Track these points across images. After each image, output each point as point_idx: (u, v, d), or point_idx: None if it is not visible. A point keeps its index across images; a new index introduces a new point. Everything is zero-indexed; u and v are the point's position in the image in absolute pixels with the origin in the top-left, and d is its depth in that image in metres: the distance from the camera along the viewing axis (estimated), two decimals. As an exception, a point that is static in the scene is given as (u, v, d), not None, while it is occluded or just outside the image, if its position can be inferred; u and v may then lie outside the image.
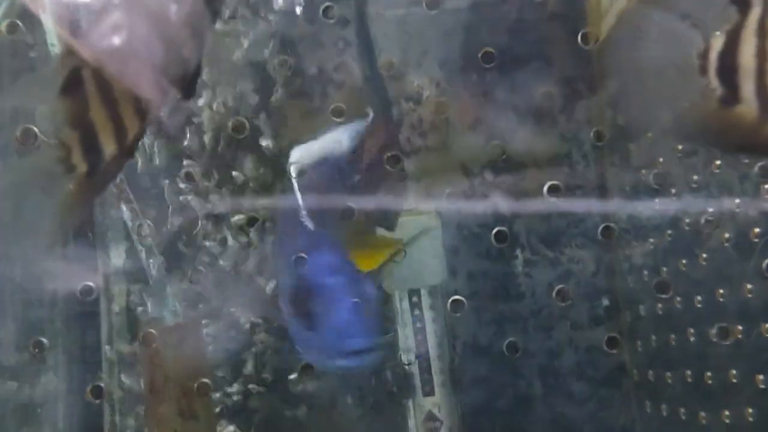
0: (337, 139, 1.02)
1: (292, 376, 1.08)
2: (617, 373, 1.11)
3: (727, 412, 0.98)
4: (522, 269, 1.13)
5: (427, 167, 1.11)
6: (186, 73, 0.78)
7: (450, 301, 0.97)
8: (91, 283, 0.96)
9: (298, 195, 0.97)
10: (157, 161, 1.08)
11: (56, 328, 1.05)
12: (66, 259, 1.02)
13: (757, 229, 0.97)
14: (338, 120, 1.04)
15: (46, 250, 0.93)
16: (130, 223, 1.04)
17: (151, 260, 1.05)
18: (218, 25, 1.08)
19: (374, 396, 1.09)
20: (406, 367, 1.06)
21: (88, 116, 0.70)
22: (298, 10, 1.09)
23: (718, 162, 1.01)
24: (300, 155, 1.01)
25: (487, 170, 1.12)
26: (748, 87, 0.66)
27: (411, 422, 1.08)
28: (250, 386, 1.09)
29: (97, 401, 1.01)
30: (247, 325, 1.06)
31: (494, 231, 1.00)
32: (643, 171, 1.07)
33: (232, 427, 1.08)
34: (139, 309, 1.07)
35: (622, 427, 1.11)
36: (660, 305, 1.06)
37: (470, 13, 1.10)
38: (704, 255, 1.01)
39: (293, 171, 0.99)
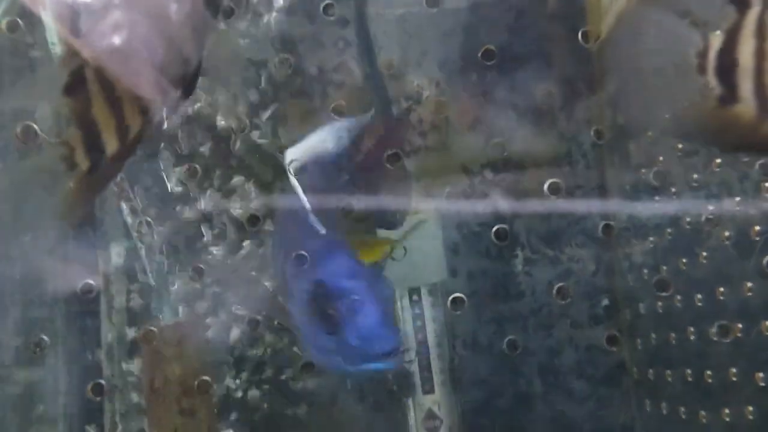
0: (325, 138, 1.02)
1: (293, 374, 1.08)
2: (617, 371, 1.11)
3: (727, 411, 0.98)
4: (522, 268, 1.13)
5: (427, 167, 1.11)
6: (186, 72, 0.78)
7: (450, 298, 0.96)
8: (91, 281, 0.96)
9: (303, 196, 0.97)
10: (156, 159, 1.08)
11: (56, 327, 1.05)
12: (66, 257, 1.02)
13: (757, 228, 0.97)
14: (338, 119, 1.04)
15: (48, 247, 0.94)
16: (130, 222, 1.05)
17: (152, 258, 1.05)
18: (218, 24, 1.08)
19: (374, 394, 1.09)
20: (406, 365, 1.06)
21: (90, 115, 0.71)
22: (299, 8, 1.10)
23: (718, 161, 1.01)
24: (295, 153, 1.00)
25: (487, 169, 1.12)
26: (746, 86, 0.66)
27: (411, 420, 1.08)
28: (250, 384, 1.09)
29: (98, 398, 1.01)
30: (248, 323, 1.06)
31: (494, 228, 1.00)
32: (643, 170, 1.07)
33: (232, 426, 1.08)
34: (140, 307, 1.07)
35: (621, 426, 1.11)
36: (660, 304, 1.06)
37: (470, 13, 1.10)
38: (704, 254, 1.01)
39: (292, 169, 0.99)
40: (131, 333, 1.07)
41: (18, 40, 0.99)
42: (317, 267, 0.91)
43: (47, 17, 0.92)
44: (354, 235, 0.98)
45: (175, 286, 1.05)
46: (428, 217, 1.07)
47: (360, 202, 0.97)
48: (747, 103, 0.66)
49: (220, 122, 1.10)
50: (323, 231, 0.94)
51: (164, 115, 0.96)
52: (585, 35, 1.01)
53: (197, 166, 1.08)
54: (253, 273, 1.09)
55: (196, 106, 1.09)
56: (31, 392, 1.05)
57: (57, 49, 0.89)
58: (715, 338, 0.99)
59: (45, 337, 0.99)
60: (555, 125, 1.12)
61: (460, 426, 1.09)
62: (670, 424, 1.05)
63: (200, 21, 0.81)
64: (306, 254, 0.94)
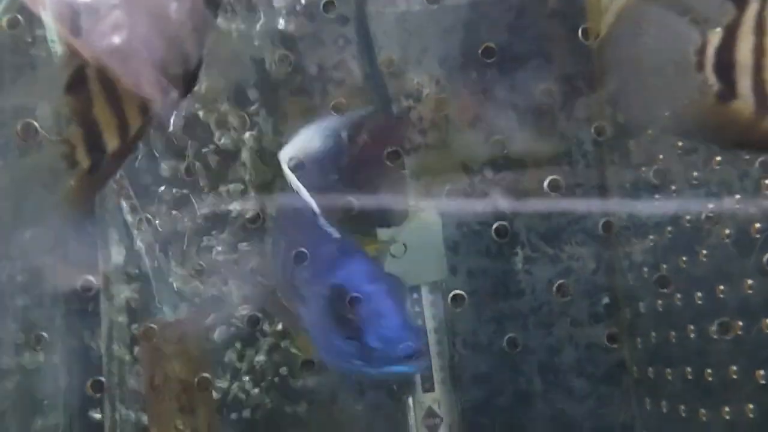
0: (312, 136, 1.01)
1: (292, 372, 1.08)
2: (617, 370, 1.11)
3: (727, 409, 0.98)
4: (522, 266, 1.13)
5: (427, 165, 1.11)
6: (186, 70, 0.78)
7: (451, 295, 0.96)
8: (91, 278, 0.96)
9: (310, 198, 0.96)
10: (156, 157, 1.09)
11: (56, 324, 1.05)
12: (66, 254, 1.02)
13: (757, 225, 0.97)
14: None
15: (48, 245, 0.94)
16: (130, 219, 1.05)
17: (151, 256, 1.06)
18: (218, 22, 1.08)
19: (374, 392, 1.09)
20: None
21: (92, 113, 0.71)
22: (298, 7, 1.10)
23: (718, 158, 1.01)
24: (288, 153, 1.00)
25: (487, 168, 1.12)
26: (744, 83, 0.66)
27: (411, 419, 1.08)
28: (250, 382, 1.09)
29: (97, 395, 1.01)
30: (248, 321, 1.06)
31: (494, 225, 1.00)
32: (643, 168, 1.07)
33: (231, 424, 1.08)
34: (139, 305, 1.08)
35: (621, 424, 1.11)
36: (660, 302, 1.06)
37: (470, 10, 1.10)
38: (704, 252, 1.01)
39: (290, 166, 0.98)
40: (131, 330, 1.07)
41: (18, 38, 0.99)
42: (333, 271, 0.90)
43: (47, 17, 0.92)
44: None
45: (175, 284, 1.06)
46: (422, 215, 1.07)
47: (353, 201, 0.96)
48: (745, 100, 0.66)
49: (220, 120, 1.10)
50: (337, 235, 0.93)
51: (171, 120, 0.97)
52: (585, 32, 1.01)
53: (197, 163, 1.08)
54: (253, 271, 1.09)
55: (195, 105, 1.09)
56: (31, 389, 1.06)
57: (57, 47, 0.89)
58: (715, 336, 0.99)
59: (44, 334, 0.99)
60: (555, 123, 1.12)
61: (460, 424, 1.09)
62: (671, 423, 1.05)
63: (200, 20, 0.81)
64: (305, 251, 0.93)
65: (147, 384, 0.97)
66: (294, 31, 1.10)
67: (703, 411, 1.00)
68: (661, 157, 1.05)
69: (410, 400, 1.08)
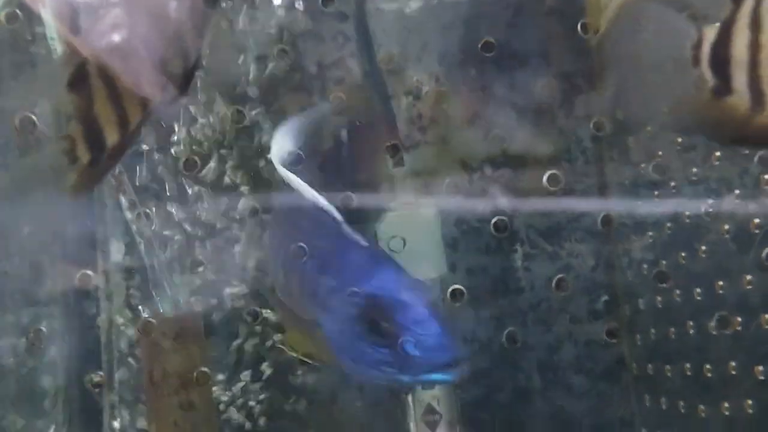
0: (285, 134, 1.01)
1: (292, 370, 1.08)
2: (616, 366, 1.11)
3: (726, 405, 0.98)
4: (521, 263, 1.13)
5: (426, 162, 1.11)
6: (185, 68, 0.79)
7: (450, 290, 0.96)
8: (89, 272, 0.96)
9: (328, 205, 0.93)
10: (155, 153, 1.09)
11: (56, 320, 1.05)
12: (66, 250, 1.02)
13: (756, 221, 0.97)
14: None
15: (47, 240, 0.95)
16: (128, 215, 1.05)
17: (150, 251, 1.06)
18: (217, 20, 1.08)
19: (374, 389, 1.09)
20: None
21: (93, 110, 0.72)
22: (298, 4, 1.10)
23: (717, 154, 1.01)
24: (282, 149, 0.99)
25: (487, 165, 1.12)
26: (740, 78, 0.66)
27: (410, 416, 1.08)
28: (250, 379, 1.09)
29: (97, 390, 1.01)
30: (247, 317, 1.06)
31: (493, 220, 1.00)
32: (642, 165, 1.07)
33: (231, 421, 1.09)
34: (138, 300, 1.08)
35: (621, 421, 1.11)
36: (659, 298, 1.06)
37: (469, 7, 1.10)
38: (703, 248, 1.01)
39: (288, 163, 0.98)
40: (130, 326, 1.08)
41: (18, 35, 0.99)
42: (365, 280, 0.89)
43: (47, 15, 0.92)
44: None
45: (174, 279, 1.06)
46: (421, 212, 1.07)
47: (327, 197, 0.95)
48: (741, 95, 0.67)
49: (219, 118, 1.10)
50: (365, 243, 0.93)
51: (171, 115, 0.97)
52: (584, 27, 1.01)
53: (196, 159, 1.08)
54: (253, 268, 1.09)
55: (195, 103, 1.09)
56: (30, 386, 1.06)
57: (56, 45, 0.89)
58: (714, 332, 0.98)
59: (43, 328, 0.99)
60: (554, 120, 1.12)
61: (459, 421, 1.09)
62: (670, 419, 1.05)
63: (200, 17, 0.81)
64: (305, 247, 0.93)
65: (146, 380, 0.97)
66: (293, 28, 1.10)
67: (702, 407, 1.00)
68: (660, 153, 1.05)
69: (409, 397, 1.08)
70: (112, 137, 0.73)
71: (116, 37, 0.74)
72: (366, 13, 1.10)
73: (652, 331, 1.07)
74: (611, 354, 1.11)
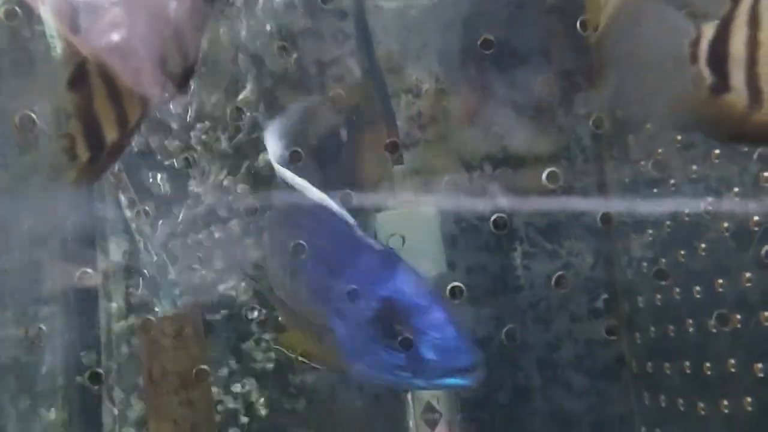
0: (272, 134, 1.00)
1: (291, 368, 1.08)
2: (616, 364, 1.11)
3: (725, 402, 0.98)
4: (521, 262, 1.13)
5: (425, 160, 1.12)
6: (184, 66, 0.79)
7: (449, 287, 0.96)
8: (89, 270, 0.96)
9: (341, 208, 0.93)
10: (155, 150, 1.09)
11: (55, 317, 1.06)
12: (66, 247, 1.03)
13: (756, 218, 0.97)
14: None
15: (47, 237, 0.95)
16: (128, 213, 1.05)
17: (150, 249, 1.06)
18: (217, 17, 1.08)
19: (373, 388, 1.09)
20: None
21: (93, 108, 0.72)
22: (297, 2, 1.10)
23: (716, 151, 1.01)
24: (279, 147, 0.99)
25: (486, 163, 1.12)
26: (738, 76, 0.66)
27: (410, 414, 1.08)
28: (249, 377, 1.10)
29: (96, 387, 1.01)
30: (247, 315, 1.06)
31: (492, 218, 0.99)
32: (642, 163, 1.07)
33: (230, 419, 1.09)
34: (138, 298, 1.08)
35: (620, 419, 1.11)
36: (659, 296, 1.06)
37: (469, 5, 1.10)
38: (703, 245, 1.01)
39: (286, 160, 0.97)
40: (130, 323, 1.08)
41: (17, 33, 0.99)
42: (380, 283, 0.88)
43: (46, 14, 0.92)
44: None
45: (174, 277, 1.06)
46: (420, 209, 1.07)
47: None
48: (738, 93, 0.66)
49: (218, 115, 1.10)
50: (379, 246, 0.92)
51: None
52: (583, 24, 1.01)
53: (195, 157, 1.08)
54: (254, 265, 1.09)
55: (194, 100, 1.09)
56: (30, 383, 1.06)
57: (56, 43, 0.89)
58: (713, 329, 0.98)
59: (43, 326, 0.99)
60: (554, 118, 1.12)
61: (459, 419, 1.09)
62: (669, 417, 1.05)
63: (199, 16, 0.81)
64: (304, 244, 0.93)
65: (146, 378, 0.97)
66: (293, 25, 1.10)
67: (701, 405, 1.00)
68: (660, 151, 1.05)
69: (409, 395, 1.08)
70: (111, 135, 0.73)
71: (116, 36, 0.74)
72: (365, 10, 1.10)
73: (652, 329, 1.07)
74: (611, 352, 1.11)
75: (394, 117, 1.10)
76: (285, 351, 0.99)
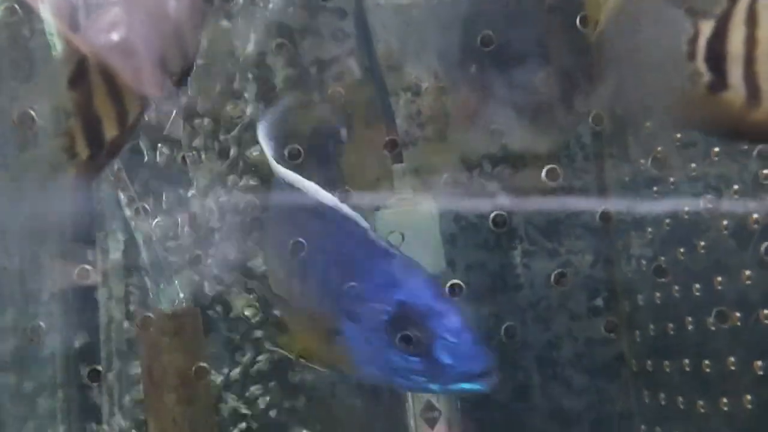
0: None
1: (291, 367, 1.08)
2: (616, 363, 1.11)
3: (725, 400, 0.98)
4: (520, 260, 1.13)
5: (425, 158, 1.12)
6: (183, 64, 0.79)
7: (449, 284, 0.96)
8: (88, 267, 0.96)
9: (351, 211, 0.91)
10: (154, 148, 1.09)
11: (55, 315, 1.06)
12: (65, 245, 1.03)
13: (755, 216, 0.97)
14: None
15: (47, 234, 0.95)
16: (128, 212, 1.05)
17: (149, 247, 1.06)
18: (216, 15, 1.08)
19: (373, 386, 1.09)
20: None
21: (93, 106, 0.72)
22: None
23: (716, 149, 1.01)
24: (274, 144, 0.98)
25: (486, 161, 1.12)
26: (735, 73, 0.67)
27: (409, 412, 1.08)
28: (249, 376, 1.10)
29: (95, 384, 1.02)
30: (246, 313, 1.06)
31: (492, 215, 0.99)
32: (642, 161, 1.07)
33: (230, 418, 1.09)
34: (137, 296, 1.08)
35: (620, 417, 1.11)
36: (658, 294, 1.06)
37: (468, 3, 1.10)
38: (702, 243, 1.01)
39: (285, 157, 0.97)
40: (129, 322, 1.08)
41: (16, 32, 1.00)
42: (395, 287, 0.87)
43: (45, 12, 0.93)
44: None
45: (173, 275, 1.06)
46: (419, 207, 1.06)
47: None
48: (736, 90, 0.67)
49: (218, 114, 1.10)
50: (394, 250, 0.91)
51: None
52: (583, 21, 1.01)
53: (195, 154, 1.08)
54: (254, 264, 1.09)
55: (193, 98, 1.09)
56: (30, 381, 1.07)
57: (55, 40, 0.90)
58: (713, 327, 0.98)
59: (42, 324, 0.99)
60: (553, 117, 1.12)
61: (458, 418, 1.09)
62: (669, 414, 1.05)
63: (197, 13, 0.82)
64: (303, 242, 0.92)
65: (145, 376, 0.98)
66: (292, 24, 1.10)
67: (701, 403, 1.00)
68: (659, 149, 1.05)
69: (409, 393, 1.08)
70: (111, 131, 0.73)
71: (115, 35, 0.74)
72: (365, 8, 1.10)
73: (651, 327, 1.07)
74: (610, 350, 1.11)
75: (393, 115, 1.10)
76: (285, 352, 0.99)
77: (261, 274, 1.07)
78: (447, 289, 0.95)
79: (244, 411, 1.10)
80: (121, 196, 1.04)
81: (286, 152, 0.97)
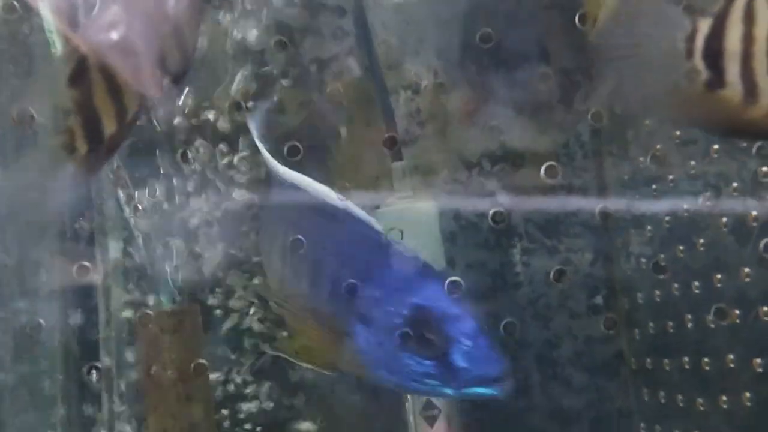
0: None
1: (290, 364, 1.08)
2: (615, 361, 1.11)
3: (724, 398, 0.98)
4: (520, 258, 1.13)
5: (424, 156, 1.12)
6: (182, 62, 0.79)
7: (448, 282, 0.96)
8: (87, 264, 0.96)
9: (354, 206, 0.91)
10: (154, 145, 1.09)
11: (53, 313, 1.06)
12: (64, 243, 1.03)
13: (754, 213, 0.97)
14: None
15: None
16: (127, 209, 1.05)
17: (148, 245, 1.06)
18: (215, 13, 1.09)
19: (372, 384, 1.09)
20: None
21: (92, 104, 0.72)
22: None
23: (716, 147, 1.00)
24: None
25: (485, 159, 1.12)
26: (733, 71, 0.66)
27: (409, 410, 1.08)
28: (248, 374, 1.10)
29: (95, 382, 1.02)
30: (245, 311, 1.06)
31: (491, 212, 0.99)
32: (641, 159, 1.07)
33: (229, 416, 1.09)
34: (137, 294, 1.08)
35: (619, 415, 1.11)
36: (657, 292, 1.06)
37: (468, 1, 1.10)
38: (702, 241, 1.01)
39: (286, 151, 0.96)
40: (128, 321, 1.08)
41: (15, 29, 1.00)
42: (411, 290, 0.87)
43: (45, 10, 0.93)
44: None
45: (172, 273, 1.06)
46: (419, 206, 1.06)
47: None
48: (734, 88, 0.67)
49: (218, 113, 1.11)
50: (408, 253, 0.90)
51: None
52: (582, 18, 1.01)
53: (194, 152, 1.09)
54: (254, 261, 1.10)
55: (192, 97, 1.09)
56: (29, 380, 1.07)
57: (54, 38, 0.90)
58: (712, 325, 0.98)
59: (41, 321, 0.99)
60: (553, 115, 1.12)
61: (458, 416, 1.09)
62: (668, 412, 1.05)
63: (196, 11, 0.82)
64: (303, 240, 0.92)
65: (144, 373, 0.98)
66: (291, 22, 1.10)
67: (700, 400, 1.00)
68: (658, 147, 1.05)
69: (408, 392, 1.08)
70: (110, 128, 0.74)
71: (114, 34, 0.74)
72: (365, 6, 1.10)
73: (651, 325, 1.07)
74: (610, 348, 1.11)
75: (393, 113, 1.10)
76: (285, 355, 0.98)
77: (262, 273, 1.07)
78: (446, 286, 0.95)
79: (244, 408, 1.10)
80: (120, 193, 1.04)
81: (284, 150, 0.97)
